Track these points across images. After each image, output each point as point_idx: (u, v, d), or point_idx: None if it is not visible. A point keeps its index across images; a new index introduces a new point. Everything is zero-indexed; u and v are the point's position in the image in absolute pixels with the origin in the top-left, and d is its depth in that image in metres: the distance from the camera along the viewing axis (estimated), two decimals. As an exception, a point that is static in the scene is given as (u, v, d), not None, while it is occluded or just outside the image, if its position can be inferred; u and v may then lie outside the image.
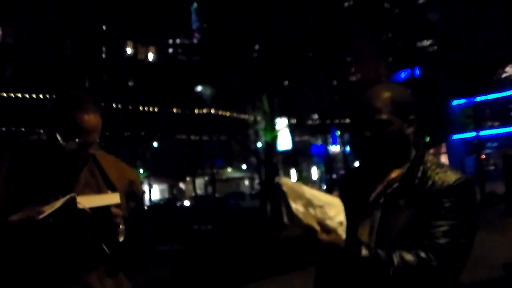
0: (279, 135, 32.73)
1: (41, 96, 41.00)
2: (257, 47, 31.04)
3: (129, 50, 49.99)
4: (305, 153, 53.94)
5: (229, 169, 64.62)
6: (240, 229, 18.64)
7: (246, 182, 68.84)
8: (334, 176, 47.92)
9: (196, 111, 42.53)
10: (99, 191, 2.31)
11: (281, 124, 36.60)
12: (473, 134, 35.27)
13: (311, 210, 1.89)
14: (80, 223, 2.17)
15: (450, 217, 1.96)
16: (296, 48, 29.89)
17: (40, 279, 2.18)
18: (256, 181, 51.58)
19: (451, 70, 37.56)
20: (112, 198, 2.21)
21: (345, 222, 1.92)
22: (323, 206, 1.91)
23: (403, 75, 43.32)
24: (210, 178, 50.78)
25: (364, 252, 1.91)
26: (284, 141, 44.75)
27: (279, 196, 1.91)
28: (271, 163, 30.04)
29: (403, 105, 2.10)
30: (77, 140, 2.19)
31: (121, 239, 2.27)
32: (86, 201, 2.12)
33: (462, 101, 41.24)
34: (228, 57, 30.47)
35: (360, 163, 2.41)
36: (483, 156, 37.96)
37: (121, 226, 2.27)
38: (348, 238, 1.96)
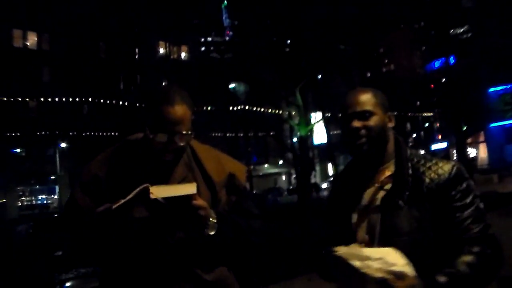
0: (314, 129, 32.65)
1: (77, 99, 41.59)
2: (288, 41, 30.96)
3: (161, 50, 50.42)
4: (341, 146, 53.69)
5: (266, 165, 64.66)
6: (279, 225, 18.63)
7: (283, 178, 68.82)
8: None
9: (231, 108, 42.57)
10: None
11: (316, 118, 36.49)
12: (512, 121, 34.67)
13: (374, 264, 1.88)
14: (157, 214, 2.17)
15: (467, 204, 2.07)
16: (327, 41, 29.73)
17: (132, 278, 2.23)
18: (293, 176, 51.49)
19: (487, 56, 36.95)
20: (188, 188, 2.16)
21: (409, 263, 1.88)
22: (381, 257, 1.89)
23: (437, 64, 42.81)
24: (247, 174, 50.79)
25: (442, 279, 1.93)
26: (320, 135, 44.66)
27: (338, 264, 1.93)
28: (307, 157, 29.97)
29: (382, 101, 2.25)
30: (164, 132, 2.22)
31: (211, 232, 2.24)
32: (160, 191, 2.10)
33: (500, 87, 40.58)
34: (260, 53, 30.46)
35: (349, 162, 2.46)
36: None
37: (211, 219, 2.24)
38: (346, 242, 2.05)
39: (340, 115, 2.27)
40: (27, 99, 41.86)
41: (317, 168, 60.47)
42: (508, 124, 39.47)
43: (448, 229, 2.05)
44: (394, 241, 2.01)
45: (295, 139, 37.39)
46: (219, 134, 47.48)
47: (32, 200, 48.87)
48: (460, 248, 2.01)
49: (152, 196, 2.07)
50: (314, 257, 2.36)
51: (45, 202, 48.93)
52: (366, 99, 2.21)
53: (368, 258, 1.89)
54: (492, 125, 44.08)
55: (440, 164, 2.15)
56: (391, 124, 2.25)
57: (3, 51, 42.24)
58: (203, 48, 57.05)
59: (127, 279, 2.23)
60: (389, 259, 1.89)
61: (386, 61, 52.22)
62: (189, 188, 2.16)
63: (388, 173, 2.20)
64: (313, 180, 40.11)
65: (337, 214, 2.28)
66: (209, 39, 57.44)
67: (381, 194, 2.16)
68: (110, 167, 2.34)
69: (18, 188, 44.63)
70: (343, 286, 2.08)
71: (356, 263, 1.88)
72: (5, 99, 38.95)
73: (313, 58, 28.65)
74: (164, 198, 2.09)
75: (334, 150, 42.61)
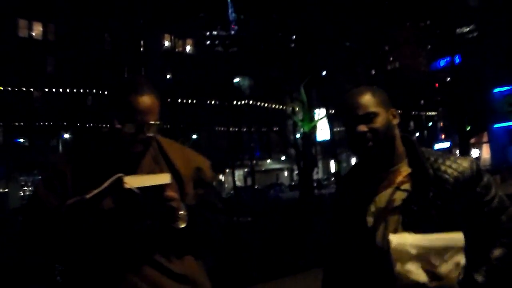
0: (318, 125, 32.66)
1: (81, 90, 41.61)
2: (294, 37, 30.93)
3: (166, 43, 50.38)
4: (344, 143, 53.53)
5: (268, 161, 64.68)
6: (280, 221, 18.66)
7: (285, 173, 68.85)
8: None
9: (235, 102, 42.57)
10: None
11: (320, 114, 36.47)
12: (516, 122, 34.59)
13: (422, 261, 1.90)
14: (130, 205, 2.12)
15: (493, 197, 2.09)
16: (333, 37, 29.70)
17: (89, 271, 2.20)
18: (296, 172, 51.51)
19: (492, 56, 36.85)
20: (162, 178, 2.14)
21: (462, 261, 1.91)
22: (438, 251, 1.90)
23: (442, 62, 42.71)
24: (250, 169, 50.92)
25: (480, 278, 1.96)
26: (323, 132, 44.62)
27: (389, 257, 1.94)
28: (310, 154, 29.98)
29: (383, 98, 2.19)
30: (132, 123, 2.20)
31: (181, 225, 2.22)
32: (134, 181, 2.07)
33: (504, 88, 40.47)
34: (265, 48, 30.44)
35: (356, 163, 2.43)
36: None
37: (181, 212, 2.21)
38: (363, 246, 2.10)
39: (341, 118, 2.24)
40: (32, 89, 41.93)
41: (320, 165, 60.43)
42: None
43: (477, 224, 2.06)
44: None
45: (298, 135, 37.39)
46: (222, 128, 47.48)
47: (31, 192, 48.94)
48: (492, 241, 2.03)
49: (126, 186, 2.04)
50: (325, 260, 2.36)
51: (47, 192, 48.97)
52: (367, 100, 2.15)
53: (421, 254, 1.90)
54: (496, 125, 43.97)
55: (459, 161, 2.14)
56: (395, 121, 2.20)
57: (8, 41, 42.27)
58: (208, 42, 57.00)
59: (91, 270, 2.19)
60: (444, 254, 1.90)
61: (391, 59, 52.02)
62: (163, 178, 2.14)
63: (404, 173, 2.16)
64: (315, 177, 40.11)
65: (347, 219, 2.23)
66: (214, 33, 57.34)
67: (400, 194, 2.11)
68: (76, 162, 2.31)
69: (21, 178, 44.68)
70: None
71: (398, 266, 1.90)
72: (9, 88, 39.01)
73: (319, 54, 28.64)
74: (138, 188, 2.06)
75: (337, 147, 42.52)
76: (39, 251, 2.28)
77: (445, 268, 1.89)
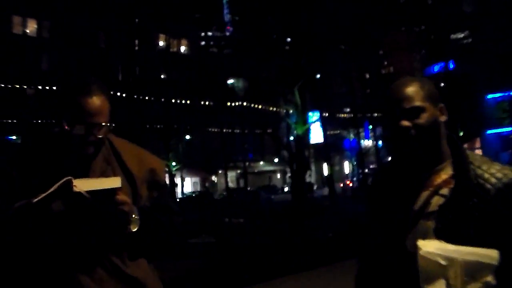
0: (311, 128, 32.71)
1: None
2: (288, 39, 30.96)
3: (161, 43, 50.31)
4: (337, 146, 53.71)
5: (261, 162, 64.71)
6: (272, 223, 18.65)
7: (278, 176, 68.89)
8: (366, 170, 47.64)
9: (228, 104, 42.58)
10: None
11: (313, 117, 36.50)
12: (508, 129, 34.71)
13: (448, 275, 1.74)
14: (79, 208, 2.07)
15: None
16: (328, 41, 29.74)
17: (38, 274, 2.15)
18: (288, 174, 51.53)
19: (486, 62, 36.93)
20: (112, 182, 2.09)
21: (493, 282, 1.71)
22: (468, 266, 1.73)
23: (436, 68, 42.80)
24: (242, 171, 50.92)
25: None
26: (316, 135, 44.67)
27: (416, 267, 1.80)
28: (303, 156, 29.99)
29: (432, 92, 2.00)
30: (82, 124, 2.15)
31: (133, 229, 2.18)
32: (83, 184, 2.02)
33: (497, 94, 40.59)
34: (260, 49, 30.45)
35: (391, 161, 2.25)
36: (519, 151, 37.31)
37: (134, 216, 2.17)
38: (393, 249, 1.95)
39: (383, 113, 2.07)
40: (25, 87, 41.80)
41: (313, 167, 60.48)
42: (505, 131, 39.46)
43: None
44: None
45: (291, 138, 37.38)
46: (215, 130, 47.47)
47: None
48: None
49: (75, 189, 2.00)
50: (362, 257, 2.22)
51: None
52: (414, 92, 1.96)
53: (448, 268, 1.74)
54: (489, 132, 44.10)
55: (506, 172, 1.90)
56: (443, 118, 2.01)
57: (3, 38, 42.14)
58: (203, 43, 56.98)
59: (42, 271, 2.15)
60: (473, 270, 1.73)
61: (386, 63, 52.25)
62: (113, 182, 2.10)
63: (444, 176, 1.96)
64: (308, 180, 40.13)
65: (382, 219, 2.06)
66: (209, 33, 57.38)
67: (437, 199, 1.93)
68: (24, 164, 2.25)
69: (13, 175, 44.53)
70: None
71: (422, 281, 1.77)
72: (3, 85, 38.88)
73: (313, 57, 28.66)
74: (87, 192, 2.02)
75: (330, 150, 42.58)
76: None
77: (472, 286, 1.73)
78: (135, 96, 36.18)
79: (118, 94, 35.28)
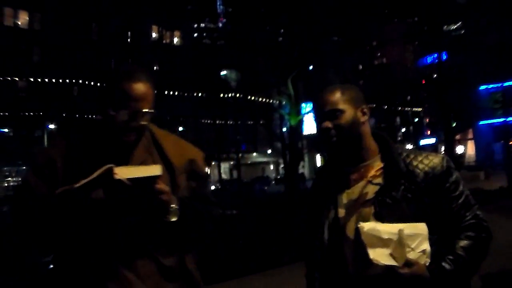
0: (304, 119, 32.68)
1: (67, 80, 41.34)
2: (282, 30, 30.90)
3: (154, 34, 50.20)
4: (315, 146, 53.73)
5: (254, 154, 64.71)
6: (265, 214, 18.66)
7: (271, 167, 68.93)
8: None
9: (221, 95, 42.52)
10: None
11: (307, 108, 36.49)
12: (501, 119, 34.81)
13: (391, 248, 1.98)
14: (120, 196, 2.09)
15: (459, 194, 2.18)
16: (321, 32, 29.70)
17: (88, 260, 2.16)
18: (281, 165, 51.56)
19: (479, 54, 37.05)
20: (153, 170, 2.10)
21: (428, 249, 2.00)
22: (404, 239, 1.98)
23: (429, 59, 42.90)
24: (235, 162, 50.93)
25: (447, 266, 2.05)
26: (310, 126, 44.66)
27: (360, 243, 2.00)
28: (296, 147, 30.00)
29: (353, 96, 2.25)
30: (126, 109, 2.16)
31: (173, 219, 2.18)
32: (124, 172, 2.02)
33: (490, 85, 40.74)
34: (253, 41, 30.39)
35: (326, 161, 2.50)
36: None
37: (173, 206, 2.18)
38: (333, 236, 2.20)
39: (313, 114, 2.31)
40: (17, 79, 41.61)
41: (306, 158, 60.57)
42: (497, 122, 39.61)
43: (445, 218, 2.14)
44: None
45: (284, 129, 37.39)
46: (208, 121, 47.43)
47: (19, 181, 48.72)
48: (457, 235, 2.12)
49: (116, 177, 2.00)
50: (303, 248, 2.41)
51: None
52: (335, 97, 2.22)
53: (388, 241, 1.98)
54: (481, 122, 44.31)
55: (431, 158, 2.22)
56: (364, 118, 2.26)
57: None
58: (196, 34, 56.81)
59: (83, 262, 2.16)
60: (410, 242, 1.99)
61: (379, 54, 52.27)
62: (154, 170, 2.10)
63: (376, 167, 2.23)
64: (301, 171, 40.19)
65: (320, 211, 2.29)
66: (202, 25, 57.21)
67: (372, 188, 2.19)
68: (67, 151, 2.26)
69: (5, 168, 44.40)
70: (353, 259, 2.13)
71: (371, 253, 1.96)
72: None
73: (306, 48, 28.62)
74: (128, 179, 2.02)
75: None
76: (30, 239, 2.25)
77: (413, 255, 1.97)
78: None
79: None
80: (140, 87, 2.19)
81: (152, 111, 2.22)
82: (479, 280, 5.93)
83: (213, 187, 49.52)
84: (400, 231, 1.97)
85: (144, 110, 2.19)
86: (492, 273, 6.13)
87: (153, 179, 2.09)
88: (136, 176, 2.04)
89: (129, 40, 45.91)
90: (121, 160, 2.17)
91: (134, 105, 2.17)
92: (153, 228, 2.21)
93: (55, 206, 2.08)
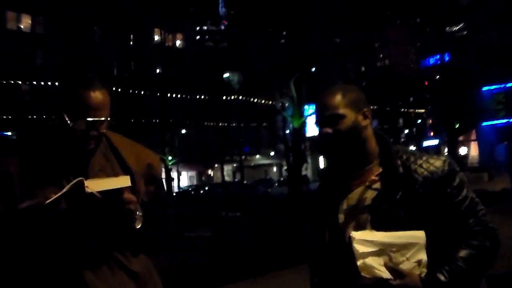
0: (307, 121, 32.67)
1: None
2: (284, 32, 30.92)
3: (156, 37, 50.22)
4: (318, 150, 53.67)
5: (257, 156, 64.67)
6: (268, 216, 18.63)
7: (274, 169, 68.89)
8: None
9: (224, 97, 42.54)
10: (114, 175, 2.22)
11: (309, 110, 36.48)
12: (504, 121, 34.75)
13: (384, 258, 1.91)
14: (90, 208, 2.08)
15: (462, 199, 2.06)
16: (323, 33, 29.71)
17: (44, 272, 2.15)
18: (284, 167, 51.55)
19: (482, 55, 36.99)
20: (122, 181, 2.10)
21: (424, 259, 1.92)
22: (398, 249, 1.91)
23: (431, 60, 42.84)
24: (239, 164, 50.91)
25: (443, 277, 1.96)
26: (313, 128, 44.65)
27: (351, 253, 1.94)
28: (299, 149, 30.00)
29: (353, 99, 2.17)
30: (85, 119, 2.13)
31: (138, 226, 2.19)
32: (95, 185, 2.02)
33: (493, 86, 40.68)
34: (255, 43, 30.42)
35: (327, 162, 2.45)
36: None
37: (138, 213, 2.19)
38: (333, 242, 2.15)
39: (315, 117, 2.25)
40: (20, 82, 41.65)
41: (309, 160, 60.55)
42: (500, 123, 39.56)
43: (446, 226, 2.04)
44: None
45: (287, 131, 37.38)
46: (211, 123, 47.42)
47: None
48: (459, 243, 2.02)
49: (88, 190, 2.00)
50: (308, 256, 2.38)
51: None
52: (335, 101, 2.14)
53: (382, 251, 1.91)
54: (484, 124, 44.21)
55: (431, 161, 2.12)
56: (365, 122, 2.17)
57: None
58: (198, 37, 56.87)
59: (46, 270, 2.15)
60: (405, 251, 1.91)
61: (381, 56, 52.18)
62: (124, 182, 2.11)
63: (376, 172, 2.15)
64: (304, 173, 40.18)
65: (322, 216, 2.25)
66: (205, 28, 57.26)
67: (370, 193, 2.12)
68: (22, 160, 2.20)
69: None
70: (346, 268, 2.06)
71: (360, 262, 1.90)
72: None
73: (309, 50, 28.64)
74: (99, 192, 2.02)
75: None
76: None
77: (407, 265, 1.90)
78: (131, 91, 36.14)
79: (114, 89, 35.23)
80: (98, 96, 2.16)
81: (110, 119, 2.20)
82: (485, 284, 5.89)
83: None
84: (393, 239, 1.91)
85: (102, 119, 2.17)
86: (495, 276, 6.11)
87: (121, 190, 2.09)
88: (107, 188, 2.05)
89: (131, 43, 45.94)
90: (79, 168, 2.18)
91: (93, 114, 2.14)
92: (119, 235, 2.22)
93: (20, 219, 2.04)
